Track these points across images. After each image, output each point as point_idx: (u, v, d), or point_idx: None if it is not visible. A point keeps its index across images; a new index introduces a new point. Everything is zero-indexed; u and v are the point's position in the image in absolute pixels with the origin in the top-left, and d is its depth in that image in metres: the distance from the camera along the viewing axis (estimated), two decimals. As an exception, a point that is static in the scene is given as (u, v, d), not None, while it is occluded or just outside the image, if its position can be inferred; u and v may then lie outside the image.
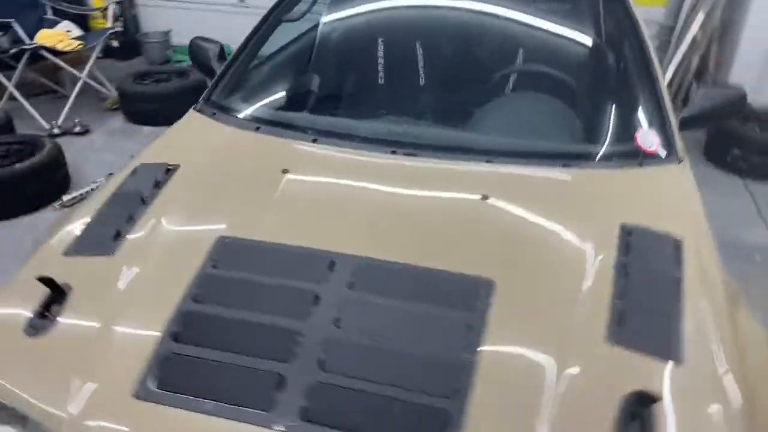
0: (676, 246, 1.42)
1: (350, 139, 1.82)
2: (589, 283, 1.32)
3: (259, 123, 1.94)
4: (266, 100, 2.13)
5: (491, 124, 1.93)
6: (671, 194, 1.64)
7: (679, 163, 1.74)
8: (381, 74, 2.21)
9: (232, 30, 5.86)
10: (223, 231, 1.48)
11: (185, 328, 1.26)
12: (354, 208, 1.56)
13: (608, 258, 1.38)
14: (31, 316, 1.32)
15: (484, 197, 1.55)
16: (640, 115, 1.86)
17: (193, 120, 2.04)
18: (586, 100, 2.00)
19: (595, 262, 1.37)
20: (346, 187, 1.66)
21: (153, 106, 4.56)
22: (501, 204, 1.54)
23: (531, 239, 1.45)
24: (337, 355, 1.18)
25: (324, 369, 1.15)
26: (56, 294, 1.36)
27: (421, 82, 2.18)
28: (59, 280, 1.37)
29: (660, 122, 1.83)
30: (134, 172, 1.76)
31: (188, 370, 1.19)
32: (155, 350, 1.21)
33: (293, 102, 2.15)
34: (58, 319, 1.31)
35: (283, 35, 2.47)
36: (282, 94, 2.18)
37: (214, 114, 2.03)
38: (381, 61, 2.24)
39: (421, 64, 2.25)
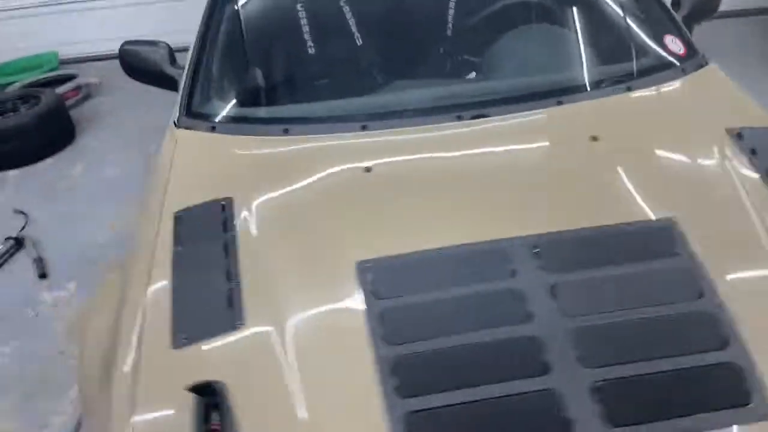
0: None
1: (403, 116, 1.61)
2: (746, 189, 1.32)
3: (283, 124, 1.63)
4: (272, 97, 1.80)
5: (532, 65, 1.84)
6: (729, 91, 1.69)
7: (708, 62, 1.80)
8: (388, 38, 1.96)
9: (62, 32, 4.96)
10: (353, 256, 1.23)
11: (404, 378, 1.04)
12: (474, 188, 1.39)
13: (743, 163, 1.39)
14: None
15: (594, 138, 1.48)
16: (657, 23, 1.88)
17: (188, 140, 1.67)
18: (599, 20, 1.97)
19: (734, 170, 1.38)
20: (445, 168, 1.47)
21: (9, 146, 3.72)
22: (614, 141, 1.48)
23: (666, 166, 1.41)
24: (592, 347, 1.06)
25: (591, 366, 1.03)
26: (207, 399, 1.05)
27: (445, 32, 1.98)
28: (198, 379, 1.06)
29: (674, 26, 1.87)
30: (178, 221, 1.39)
31: (442, 425, 0.99)
32: (390, 417, 0.99)
33: (307, 91, 1.85)
34: (233, 428, 1.01)
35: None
36: (284, 84, 1.86)
37: (214, 128, 1.68)
38: (379, 25, 1.98)
39: (427, 18, 2.03)
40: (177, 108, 1.79)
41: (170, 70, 1.92)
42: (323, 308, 1.18)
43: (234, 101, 1.77)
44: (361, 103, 1.70)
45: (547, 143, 1.52)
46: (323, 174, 1.48)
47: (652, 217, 1.26)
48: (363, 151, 1.53)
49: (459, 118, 1.58)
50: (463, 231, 1.27)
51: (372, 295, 1.16)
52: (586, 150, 1.46)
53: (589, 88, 1.67)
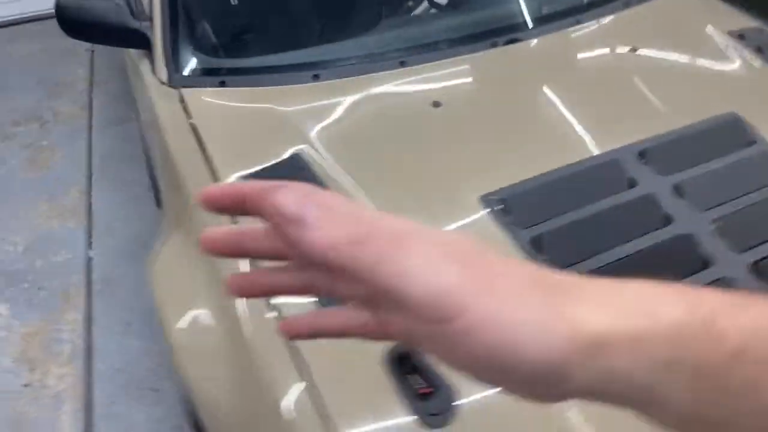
0: None
1: (440, 48, 1.54)
2: None
3: (311, 70, 1.46)
4: (286, 41, 1.59)
5: None
6: (708, 1, 1.85)
7: None
8: None
9: None
10: (471, 190, 1.17)
11: None
12: (552, 108, 1.39)
13: (756, 58, 1.55)
14: (409, 405, 0.90)
15: (633, 49, 1.54)
16: None
17: (200, 100, 1.43)
18: None
19: (752, 65, 1.53)
20: (511, 93, 1.45)
21: None
22: (650, 50, 1.55)
23: (703, 68, 1.53)
24: (739, 231, 1.13)
25: (745, 249, 1.10)
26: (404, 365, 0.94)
27: None
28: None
29: None
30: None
31: None
32: None
33: (326, 29, 1.65)
34: (443, 388, 0.92)
35: None
36: (296, 23, 1.64)
37: (223, 82, 1.45)
38: None
39: None
40: (159, 66, 1.52)
41: (134, 23, 1.60)
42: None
43: (240, 50, 1.55)
44: (393, 39, 1.58)
45: (595, 58, 1.55)
46: (389, 115, 1.36)
47: (717, 113, 1.36)
48: (420, 87, 1.44)
49: (493, 45, 1.55)
50: (563, 150, 1.26)
51: (513, 225, 1.12)
52: (635, 60, 1.52)
53: (594, 7, 1.72)
